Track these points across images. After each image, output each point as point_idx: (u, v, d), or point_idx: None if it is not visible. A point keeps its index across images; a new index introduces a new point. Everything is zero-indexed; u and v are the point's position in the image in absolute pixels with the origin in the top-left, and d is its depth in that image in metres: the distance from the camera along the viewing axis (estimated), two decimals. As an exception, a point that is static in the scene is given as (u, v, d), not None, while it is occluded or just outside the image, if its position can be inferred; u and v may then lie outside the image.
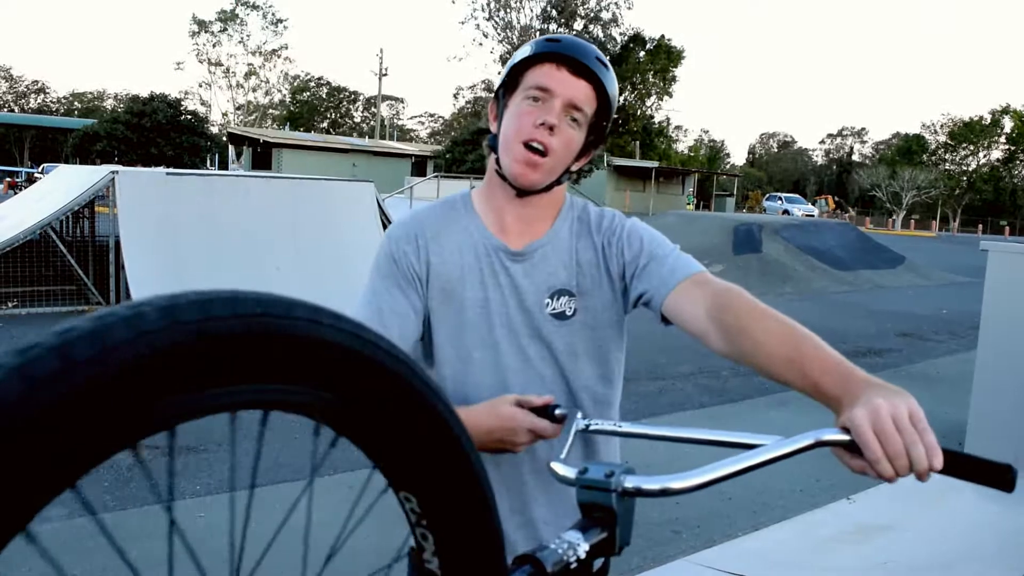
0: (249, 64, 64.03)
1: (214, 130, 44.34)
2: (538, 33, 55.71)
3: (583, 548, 0.86)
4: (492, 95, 1.54)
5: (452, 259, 1.47)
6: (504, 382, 1.45)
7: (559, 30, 54.62)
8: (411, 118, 78.92)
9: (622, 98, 56.86)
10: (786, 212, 42.96)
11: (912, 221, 54.57)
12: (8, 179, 38.71)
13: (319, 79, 73.82)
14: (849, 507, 4.42)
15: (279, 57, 65.01)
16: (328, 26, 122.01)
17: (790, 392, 5.38)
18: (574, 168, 1.50)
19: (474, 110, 57.79)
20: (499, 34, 56.70)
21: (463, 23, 60.77)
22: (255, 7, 63.17)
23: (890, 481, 0.97)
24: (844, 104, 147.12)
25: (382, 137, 58.13)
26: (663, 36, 55.59)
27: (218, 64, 63.61)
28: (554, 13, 55.15)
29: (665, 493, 0.95)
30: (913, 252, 20.12)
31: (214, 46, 63.23)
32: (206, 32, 62.74)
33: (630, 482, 0.92)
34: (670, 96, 58.54)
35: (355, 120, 76.17)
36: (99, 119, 39.48)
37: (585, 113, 1.42)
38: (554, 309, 1.46)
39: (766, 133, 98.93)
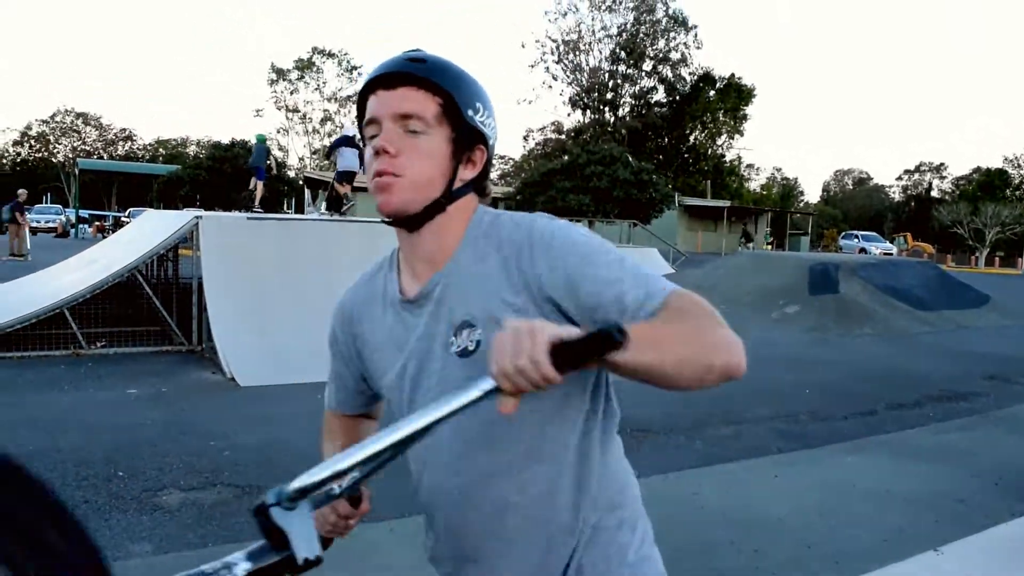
0: (325, 110, 65.82)
1: (291, 174, 45.56)
2: (607, 75, 56.06)
3: (242, 567, 0.88)
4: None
5: (370, 328, 1.44)
6: (443, 443, 1.32)
7: (628, 71, 54.90)
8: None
9: (692, 137, 56.70)
10: (863, 250, 41.98)
11: (996, 258, 52.73)
12: (97, 223, 40.36)
13: (392, 123, 75.26)
14: (937, 559, 4.25)
15: (353, 103, 66.65)
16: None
17: (869, 438, 5.32)
18: (466, 176, 1.33)
19: (544, 152, 58.18)
20: (568, 76, 57.30)
21: (533, 66, 61.50)
22: (331, 55, 65.10)
23: (516, 387, 0.97)
24: (921, 139, 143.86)
25: (453, 179, 58.89)
26: (733, 75, 55.38)
27: (295, 110, 65.57)
28: (623, 55, 55.48)
29: (325, 483, 0.97)
30: (998, 290, 19.42)
31: (291, 93, 65.28)
32: (284, 80, 64.84)
33: (292, 486, 0.95)
34: (741, 134, 58.19)
35: (427, 163, 77.25)
36: (183, 165, 40.99)
37: (423, 118, 1.26)
38: (458, 347, 1.29)
39: (840, 170, 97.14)
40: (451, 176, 1.30)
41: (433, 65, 1.29)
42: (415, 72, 1.27)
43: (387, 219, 1.34)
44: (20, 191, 23.74)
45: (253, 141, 19.10)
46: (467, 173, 1.33)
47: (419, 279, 1.36)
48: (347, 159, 15.11)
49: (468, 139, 1.31)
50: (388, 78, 1.28)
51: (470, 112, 1.30)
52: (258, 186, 16.94)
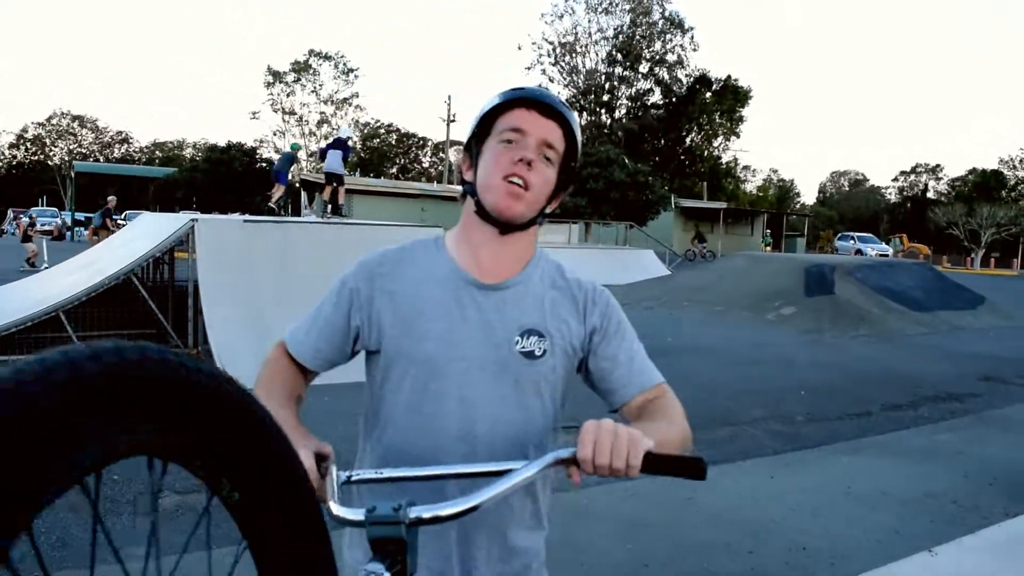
0: (321, 112, 65.86)
1: (289, 177, 45.53)
2: (603, 77, 56.10)
3: None
4: (463, 147, 1.59)
5: (412, 291, 1.51)
6: (461, 412, 1.47)
7: (624, 73, 54.97)
8: (478, 162, 79.49)
9: (688, 139, 56.77)
10: (859, 252, 42.06)
11: (992, 259, 52.83)
12: (93, 226, 40.31)
13: (388, 126, 75.43)
14: (931, 560, 4.27)
15: (350, 105, 66.69)
16: (397, 74, 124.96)
17: (864, 438, 5.33)
18: (548, 209, 1.55)
19: (540, 153, 58.16)
20: (565, 78, 57.36)
21: (529, 68, 61.48)
22: (327, 58, 65.13)
23: (601, 474, 1.20)
24: (917, 141, 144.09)
25: (450, 182, 58.88)
26: (729, 76, 55.45)
27: (292, 113, 65.57)
28: (619, 56, 55.53)
29: (446, 519, 1.09)
30: (994, 292, 19.47)
31: (288, 96, 65.29)
32: (280, 82, 64.85)
33: (415, 513, 1.05)
34: (737, 136, 58.27)
35: (423, 165, 77.47)
36: (179, 168, 40.98)
37: (557, 151, 1.49)
38: (523, 348, 1.49)
39: (837, 171, 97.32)
40: (546, 204, 1.53)
41: (576, 120, 1.54)
42: (566, 116, 1.51)
43: (489, 216, 1.48)
44: (110, 197, 23.58)
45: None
46: (551, 206, 1.56)
47: (486, 271, 1.52)
48: (331, 161, 15.31)
49: (566, 183, 1.56)
50: (547, 108, 1.49)
51: (574, 163, 1.55)
52: (279, 189, 17.53)
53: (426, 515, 1.06)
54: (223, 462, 0.71)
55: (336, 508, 1.12)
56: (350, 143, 17.16)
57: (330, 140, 17.17)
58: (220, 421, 0.69)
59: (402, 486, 1.39)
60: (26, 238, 22.31)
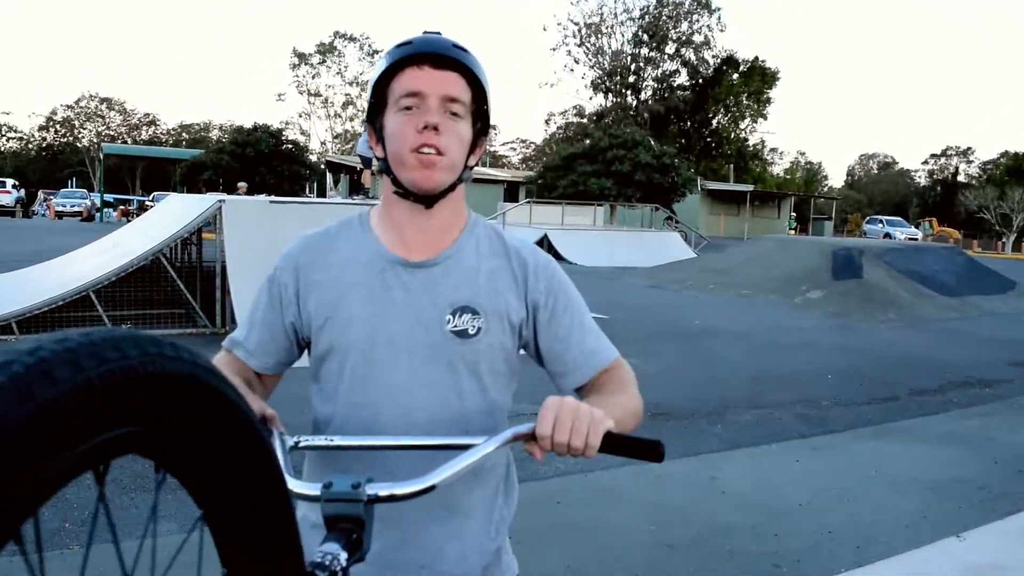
0: (346, 94, 66.01)
1: (313, 158, 45.72)
2: (629, 58, 55.68)
3: (343, 557, 0.96)
4: (364, 120, 1.48)
5: (336, 277, 1.43)
6: (394, 400, 1.39)
7: (650, 55, 54.53)
8: (503, 144, 79.66)
9: (715, 121, 56.30)
10: (888, 235, 41.58)
11: (1023, 244, 52.02)
12: (122, 207, 40.74)
13: (413, 107, 75.31)
14: (958, 545, 4.24)
15: (375, 87, 66.70)
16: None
17: (891, 423, 5.28)
18: (471, 163, 1.44)
19: (566, 135, 58.00)
20: (590, 60, 56.99)
21: (554, 50, 61.18)
22: (352, 39, 65.17)
23: (558, 452, 1.17)
24: (948, 123, 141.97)
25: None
26: (757, 57, 54.85)
27: (317, 95, 65.79)
28: (645, 37, 55.06)
29: (403, 498, 1.08)
30: (1026, 277, 19.19)
31: (313, 78, 65.48)
32: (306, 64, 65.02)
33: (373, 490, 1.03)
34: (764, 118, 57.65)
35: (448, 147, 77.30)
36: (205, 149, 41.23)
37: (463, 103, 1.37)
38: (455, 327, 1.39)
39: (865, 154, 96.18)
40: (466, 161, 1.41)
41: (473, 58, 1.39)
42: (463, 60, 1.36)
43: (409, 192, 1.38)
44: (240, 184, 23.61)
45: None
46: (472, 160, 1.44)
47: (413, 249, 1.42)
48: (360, 144, 15.56)
49: (483, 129, 1.43)
50: (439, 59, 1.35)
51: (486, 106, 1.42)
52: (365, 174, 17.88)
53: (383, 492, 1.04)
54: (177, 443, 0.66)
55: (291, 482, 1.06)
56: None
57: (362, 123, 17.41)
58: (188, 406, 0.64)
59: (346, 457, 1.38)
60: None
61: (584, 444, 1.15)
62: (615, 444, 1.16)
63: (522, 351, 1.51)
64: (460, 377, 1.40)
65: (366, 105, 1.43)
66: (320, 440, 1.26)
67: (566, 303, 1.46)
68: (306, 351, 1.53)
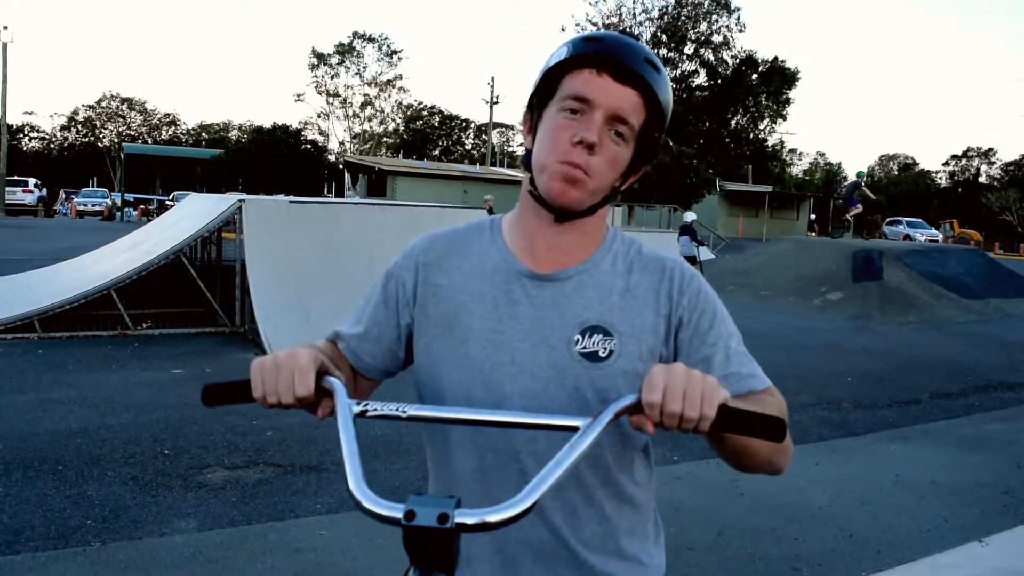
0: (365, 95, 66.11)
1: (331, 159, 45.90)
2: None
3: None
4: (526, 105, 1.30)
5: (458, 284, 1.29)
6: (513, 432, 1.22)
7: (669, 55, 54.41)
8: (521, 144, 79.66)
9: (734, 122, 56.06)
10: (908, 237, 41.24)
11: (1047, 247, 51.45)
12: (142, 206, 41.08)
13: (432, 108, 75.55)
14: (982, 550, 4.19)
15: (393, 87, 66.87)
16: (441, 56, 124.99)
17: (913, 426, 5.24)
18: (622, 188, 1.28)
19: (583, 136, 57.74)
20: (609, 60, 56.66)
21: (573, 50, 60.74)
22: (371, 40, 65.27)
23: (668, 425, 1.01)
24: (969, 124, 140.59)
25: (493, 164, 58.95)
26: (776, 58, 54.44)
27: (336, 95, 65.92)
28: (664, 37, 54.90)
29: (497, 526, 0.93)
30: (1049, 279, 18.97)
31: (332, 78, 65.60)
32: (325, 65, 65.15)
33: (461, 518, 0.91)
34: (784, 119, 57.25)
35: (466, 147, 77.50)
36: (225, 149, 41.49)
37: (632, 126, 1.20)
38: (584, 348, 1.23)
39: (886, 155, 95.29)
40: (618, 185, 1.26)
41: (663, 78, 1.22)
42: (648, 79, 1.19)
43: (544, 201, 1.24)
44: (487, 197, 23.62)
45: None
46: (627, 183, 1.29)
47: (542, 260, 1.27)
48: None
49: (649, 155, 1.26)
50: (623, 69, 1.18)
51: (657, 134, 1.25)
52: (850, 211, 21.38)
53: (472, 521, 0.91)
54: None
55: (367, 501, 0.95)
56: None
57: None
58: None
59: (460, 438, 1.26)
60: None
61: (699, 414, 0.99)
62: (731, 418, 1.01)
63: None
64: (587, 405, 1.22)
65: (532, 88, 1.27)
66: (391, 408, 1.10)
67: (712, 320, 1.27)
68: (407, 365, 1.40)
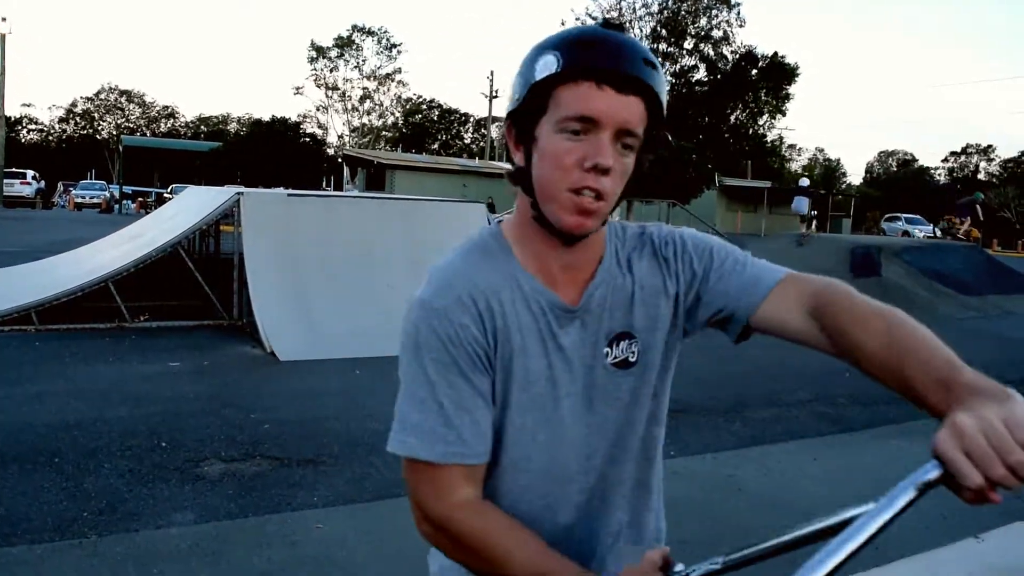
0: (364, 88, 65.98)
1: (330, 152, 45.86)
2: (648, 53, 55.32)
3: None
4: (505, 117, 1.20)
5: (512, 324, 1.18)
6: (560, 460, 1.22)
7: (669, 50, 54.32)
8: (520, 139, 79.29)
9: (733, 117, 56.06)
10: (906, 233, 41.25)
11: (1045, 243, 51.48)
12: (140, 199, 41.02)
13: (431, 102, 75.43)
14: (978, 546, 4.20)
15: (392, 81, 66.75)
16: (440, 50, 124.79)
17: (914, 421, 5.22)
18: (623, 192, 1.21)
19: (582, 130, 57.67)
20: (608, 55, 56.59)
21: (572, 44, 60.67)
22: (370, 33, 65.14)
23: (987, 498, 0.87)
24: (968, 121, 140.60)
25: (492, 158, 58.85)
26: (776, 53, 54.43)
27: (334, 88, 65.77)
28: (663, 32, 54.86)
29: None
30: (1047, 276, 18.98)
31: (331, 71, 65.45)
32: (324, 58, 65.00)
33: None
34: (783, 114, 57.22)
35: (465, 141, 77.41)
36: (224, 142, 41.45)
37: (638, 136, 1.12)
38: (615, 358, 1.22)
39: (884, 151, 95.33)
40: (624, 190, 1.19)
41: (661, 76, 1.13)
42: (649, 83, 1.10)
43: (555, 230, 1.15)
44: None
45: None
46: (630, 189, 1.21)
47: (560, 284, 1.21)
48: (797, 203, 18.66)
49: (651, 153, 1.19)
50: (624, 79, 1.08)
51: (656, 131, 1.17)
52: (966, 222, 23.74)
53: None
54: None
55: None
56: None
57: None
58: None
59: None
60: None
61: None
62: None
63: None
64: (631, 409, 1.24)
65: (514, 101, 1.15)
66: (707, 567, 1.06)
67: (716, 253, 1.25)
68: None
